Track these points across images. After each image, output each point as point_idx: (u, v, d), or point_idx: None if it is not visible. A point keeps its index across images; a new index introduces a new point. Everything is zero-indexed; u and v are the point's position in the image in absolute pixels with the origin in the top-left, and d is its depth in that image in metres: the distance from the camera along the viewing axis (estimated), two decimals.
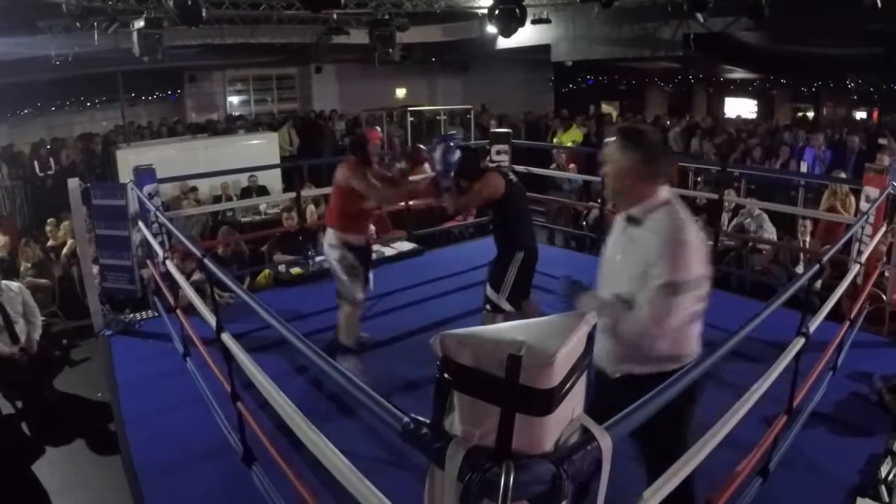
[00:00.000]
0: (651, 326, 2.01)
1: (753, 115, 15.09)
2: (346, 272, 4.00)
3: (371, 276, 4.20)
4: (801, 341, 2.57)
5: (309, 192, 7.63)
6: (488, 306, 3.87)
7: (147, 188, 5.01)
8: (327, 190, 8.86)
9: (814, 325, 2.71)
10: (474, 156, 3.98)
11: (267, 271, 6.51)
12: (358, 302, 4.11)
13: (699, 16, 8.57)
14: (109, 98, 13.24)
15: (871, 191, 4.61)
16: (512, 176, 3.93)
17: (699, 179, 8.82)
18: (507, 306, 3.81)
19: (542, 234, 7.96)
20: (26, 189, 10.11)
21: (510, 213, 3.83)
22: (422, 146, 4.31)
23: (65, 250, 7.11)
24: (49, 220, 7.67)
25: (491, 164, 4.54)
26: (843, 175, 6.92)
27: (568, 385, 1.28)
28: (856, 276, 4.11)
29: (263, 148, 10.34)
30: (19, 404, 4.66)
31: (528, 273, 3.88)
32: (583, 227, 8.17)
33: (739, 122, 12.51)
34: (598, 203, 7.11)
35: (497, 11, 8.91)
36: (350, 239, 4.00)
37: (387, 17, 11.44)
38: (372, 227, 4.40)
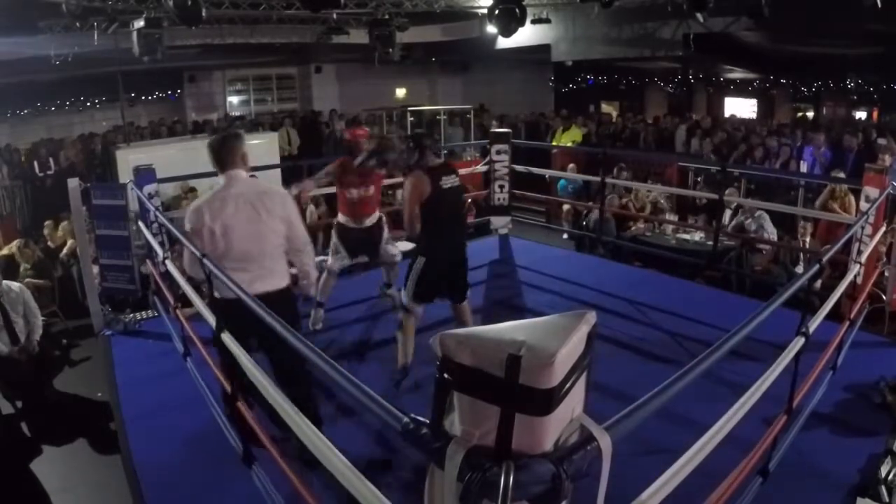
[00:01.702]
0: None
1: (753, 115, 15.10)
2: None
3: (347, 256, 4.74)
4: (800, 341, 2.57)
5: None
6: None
7: (147, 188, 5.00)
8: (327, 190, 8.89)
9: (814, 324, 2.70)
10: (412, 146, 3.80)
11: None
12: (327, 268, 4.71)
13: (699, 16, 8.57)
14: (109, 98, 13.24)
15: (870, 191, 4.61)
16: (446, 180, 3.73)
17: (699, 179, 8.83)
18: (412, 306, 3.83)
19: (542, 234, 7.98)
20: (26, 189, 10.11)
21: (426, 217, 3.71)
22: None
23: (65, 250, 7.11)
24: (46, 223, 7.66)
25: (434, 161, 3.87)
26: (842, 175, 6.92)
27: (568, 385, 1.28)
28: (855, 276, 4.11)
29: (263, 148, 10.34)
30: (19, 404, 4.66)
31: (430, 280, 3.81)
32: (583, 227, 8.18)
33: (738, 122, 12.52)
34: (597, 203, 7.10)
35: (497, 11, 8.91)
36: (339, 219, 4.74)
37: (386, 16, 11.44)
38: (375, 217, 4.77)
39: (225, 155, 3.04)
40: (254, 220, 2.96)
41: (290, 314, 3.01)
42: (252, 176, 3.26)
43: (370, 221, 4.69)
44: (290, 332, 1.99)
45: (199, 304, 3.10)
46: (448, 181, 3.76)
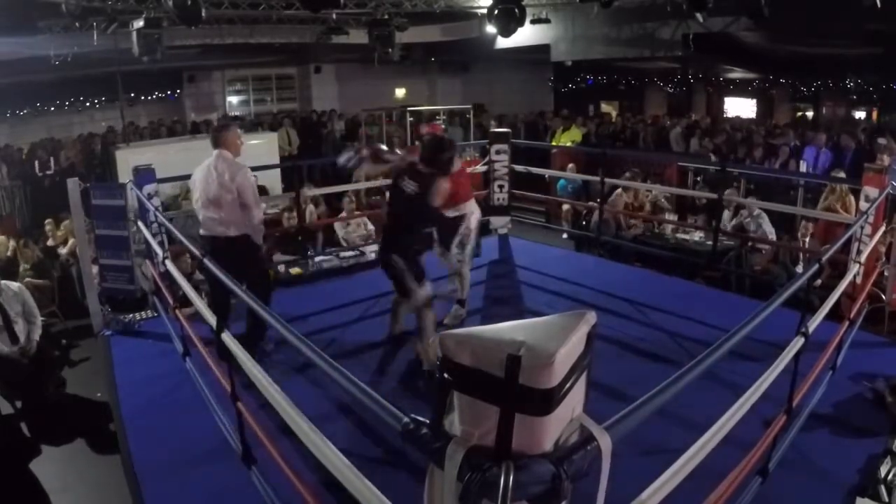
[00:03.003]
0: None
1: (753, 115, 15.11)
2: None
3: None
4: (800, 341, 2.57)
5: (308, 191, 7.64)
6: None
7: (147, 188, 5.00)
8: (327, 189, 8.87)
9: (813, 324, 2.70)
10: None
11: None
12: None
13: (698, 15, 8.57)
14: (109, 98, 13.25)
15: (870, 190, 4.61)
16: (406, 183, 3.92)
17: (699, 179, 8.83)
18: None
19: (542, 234, 7.97)
20: (26, 189, 10.10)
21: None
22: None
23: (65, 250, 7.12)
24: (48, 221, 7.66)
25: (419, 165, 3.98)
26: (842, 175, 6.92)
27: (568, 385, 1.28)
28: (855, 276, 4.11)
29: (263, 148, 10.33)
30: (19, 404, 4.66)
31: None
32: (582, 226, 8.18)
33: (738, 122, 12.53)
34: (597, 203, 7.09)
35: (496, 11, 8.91)
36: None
37: (386, 16, 11.44)
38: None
39: (215, 138, 4.25)
40: (213, 184, 4.09)
41: (243, 252, 4.16)
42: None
43: (453, 213, 4.71)
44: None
45: (199, 304, 3.10)
46: (405, 184, 3.92)
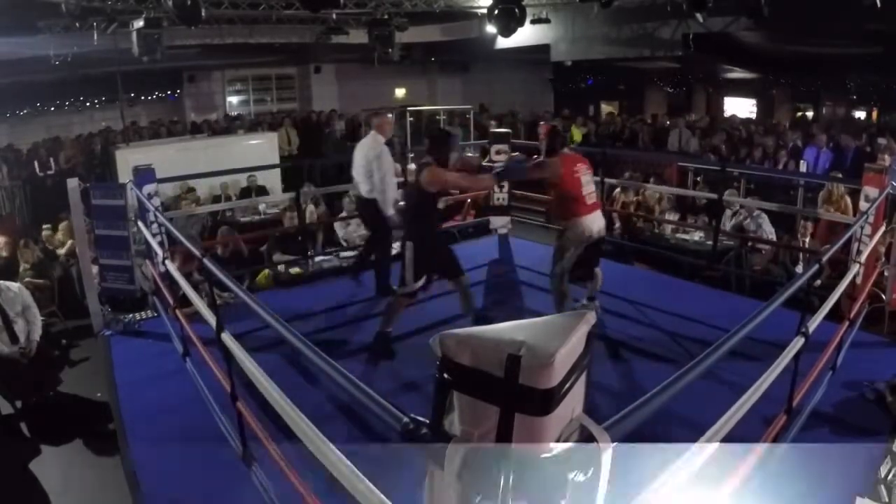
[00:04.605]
0: None
1: (753, 115, 15.10)
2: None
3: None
4: (800, 341, 2.57)
5: (309, 191, 7.63)
6: None
7: (146, 188, 5.00)
8: (325, 190, 8.83)
9: (813, 324, 2.71)
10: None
11: (266, 271, 6.51)
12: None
13: (698, 16, 8.57)
14: (109, 98, 13.24)
15: (870, 191, 4.61)
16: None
17: (699, 179, 8.83)
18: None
19: (542, 234, 7.96)
20: (26, 189, 10.09)
21: None
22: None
23: (64, 250, 7.11)
24: (45, 227, 7.65)
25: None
26: (840, 176, 6.92)
27: (568, 385, 1.28)
28: (855, 276, 4.11)
29: (263, 148, 10.33)
30: (19, 404, 4.65)
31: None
32: None
33: (738, 122, 12.52)
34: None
35: (496, 11, 8.91)
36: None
37: (386, 16, 11.43)
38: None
39: (370, 122, 5.66)
40: (360, 160, 5.25)
41: (375, 211, 5.23)
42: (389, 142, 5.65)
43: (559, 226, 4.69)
44: None
45: (199, 304, 3.10)
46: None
